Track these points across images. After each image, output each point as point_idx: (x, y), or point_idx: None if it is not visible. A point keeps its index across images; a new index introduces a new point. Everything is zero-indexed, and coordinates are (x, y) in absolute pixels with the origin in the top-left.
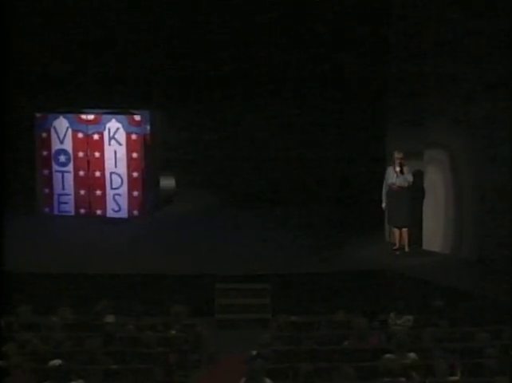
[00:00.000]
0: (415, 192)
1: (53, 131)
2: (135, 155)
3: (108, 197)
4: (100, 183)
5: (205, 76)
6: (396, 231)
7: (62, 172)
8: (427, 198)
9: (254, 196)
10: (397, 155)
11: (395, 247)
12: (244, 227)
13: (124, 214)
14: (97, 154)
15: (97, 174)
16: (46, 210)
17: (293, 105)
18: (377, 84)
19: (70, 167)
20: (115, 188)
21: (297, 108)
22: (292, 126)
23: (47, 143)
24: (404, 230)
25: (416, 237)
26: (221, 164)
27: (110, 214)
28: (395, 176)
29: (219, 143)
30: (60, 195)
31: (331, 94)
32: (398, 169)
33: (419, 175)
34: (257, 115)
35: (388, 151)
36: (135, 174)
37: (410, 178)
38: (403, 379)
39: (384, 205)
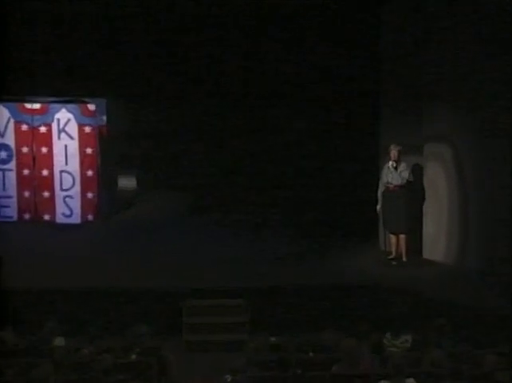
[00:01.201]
0: (414, 192)
1: None
2: (89, 150)
3: (57, 200)
4: (48, 184)
5: (173, 62)
6: (393, 238)
7: (3, 171)
8: (428, 199)
9: (227, 199)
10: (393, 148)
11: (391, 256)
12: (215, 234)
13: (76, 219)
14: (44, 149)
15: (45, 173)
16: None
17: (270, 97)
18: (369, 70)
19: (12, 164)
20: (65, 189)
21: (274, 100)
22: (268, 119)
23: None
24: (402, 236)
25: (415, 244)
26: (190, 162)
27: (60, 219)
28: (390, 175)
29: (189, 138)
30: (0, 197)
31: (315, 78)
32: (393, 165)
33: (418, 173)
34: (231, 109)
35: (384, 145)
36: (89, 172)
37: (406, 175)
38: None
39: (378, 207)
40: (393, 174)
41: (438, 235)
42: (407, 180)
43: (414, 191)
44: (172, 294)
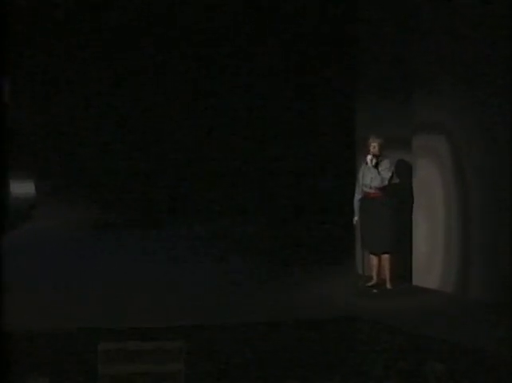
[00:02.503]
0: (401, 199)
1: None
2: None
3: None
4: None
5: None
6: (373, 259)
7: None
8: (419, 208)
9: (157, 208)
10: (373, 141)
11: (371, 283)
12: (142, 254)
13: None
14: None
15: None
16: None
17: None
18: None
19: None
20: None
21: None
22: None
23: None
24: (385, 257)
25: (403, 268)
26: (106, 163)
27: None
28: (369, 175)
29: (102, 130)
30: None
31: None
32: (371, 162)
33: (405, 173)
34: (166, 93)
35: (361, 137)
36: None
37: (386, 175)
38: None
39: (355, 219)
40: (372, 174)
41: (432, 256)
42: (390, 182)
43: (400, 197)
44: (83, 334)
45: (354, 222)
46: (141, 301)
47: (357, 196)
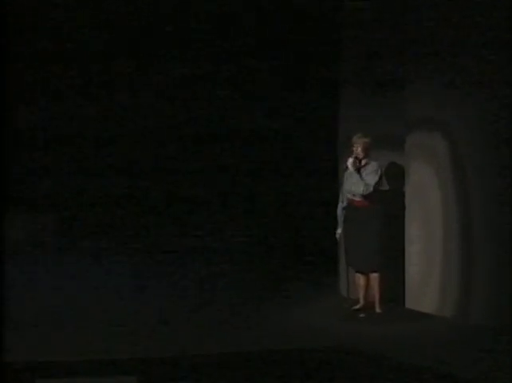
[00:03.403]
0: (392, 208)
1: None
2: None
3: None
4: None
5: None
6: (360, 279)
7: None
8: (413, 218)
9: (111, 218)
10: (357, 140)
11: (357, 306)
12: (91, 273)
13: None
14: None
15: None
16: None
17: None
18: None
19: None
20: None
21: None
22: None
23: None
24: (374, 276)
25: (394, 288)
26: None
27: None
28: (351, 180)
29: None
30: None
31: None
32: (355, 165)
33: (396, 177)
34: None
35: (346, 135)
36: None
37: (371, 180)
38: None
39: (338, 232)
40: (355, 180)
41: (428, 275)
42: (378, 189)
43: (391, 205)
44: (17, 367)
45: (337, 235)
46: (93, 330)
47: (341, 205)
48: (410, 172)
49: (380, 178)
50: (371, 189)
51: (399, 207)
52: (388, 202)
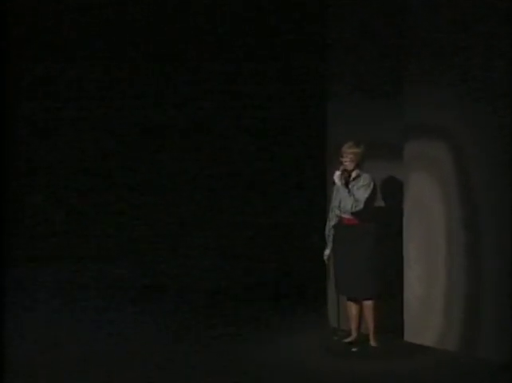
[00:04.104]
0: (388, 227)
1: None
2: None
3: None
4: None
5: None
6: (352, 307)
7: None
8: (411, 238)
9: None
10: (347, 150)
11: (349, 339)
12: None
13: None
14: None
15: None
16: None
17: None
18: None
19: None
20: None
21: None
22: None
23: None
24: (367, 304)
25: (392, 318)
26: None
27: None
28: (338, 196)
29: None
30: None
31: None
32: (339, 179)
33: (394, 191)
34: None
35: (336, 144)
36: None
37: (361, 196)
38: None
39: (326, 253)
40: (342, 195)
41: (430, 302)
42: (371, 205)
43: (387, 223)
44: None
45: (325, 256)
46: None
47: (330, 223)
48: (409, 185)
49: (373, 192)
50: (361, 206)
51: (397, 225)
52: (384, 219)
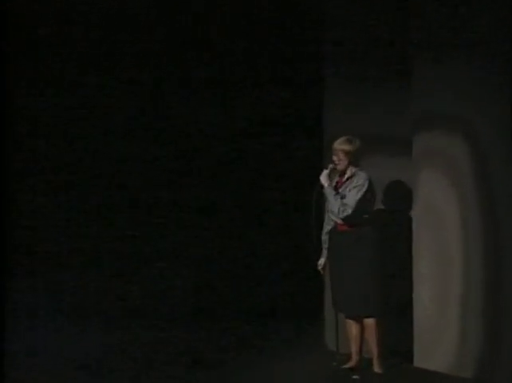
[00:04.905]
0: (393, 235)
1: None
2: None
3: None
4: None
5: None
6: (352, 327)
7: None
8: (422, 246)
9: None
10: (337, 147)
11: (350, 364)
12: None
13: None
14: None
15: None
16: None
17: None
18: None
19: None
20: None
21: None
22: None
23: None
24: (369, 323)
25: (398, 339)
26: None
27: None
28: (329, 198)
29: None
30: None
31: None
32: (326, 179)
33: (399, 193)
34: None
35: (332, 137)
36: None
37: (350, 200)
38: None
39: (321, 263)
40: (331, 197)
41: (444, 322)
42: (362, 208)
43: (392, 230)
44: None
45: (319, 266)
46: None
47: (326, 228)
48: (418, 186)
49: (369, 193)
50: (349, 211)
51: (405, 232)
52: (387, 225)
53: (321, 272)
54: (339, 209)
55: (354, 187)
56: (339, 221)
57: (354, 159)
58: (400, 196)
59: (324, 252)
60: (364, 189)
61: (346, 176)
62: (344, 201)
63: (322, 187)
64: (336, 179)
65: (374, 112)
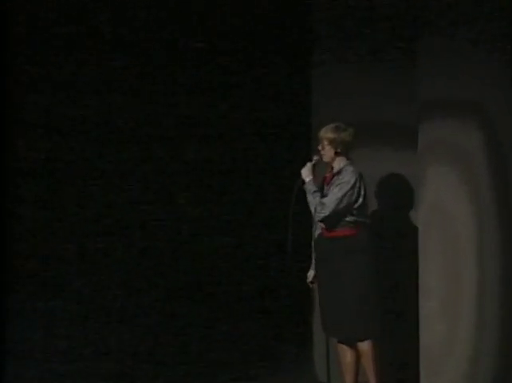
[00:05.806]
0: (391, 242)
1: None
2: None
3: None
4: None
5: None
6: (345, 352)
7: None
8: (428, 254)
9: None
10: (323, 135)
11: None
12: None
13: None
14: None
15: None
16: None
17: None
18: None
19: None
20: None
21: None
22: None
23: None
24: (365, 347)
25: (401, 364)
26: None
27: None
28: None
29: None
30: None
31: None
32: (307, 173)
33: (400, 192)
34: None
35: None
36: None
37: (330, 198)
38: None
39: (310, 275)
40: (308, 194)
41: (453, 344)
42: (363, 211)
43: (393, 236)
44: None
45: (308, 278)
46: None
47: (316, 232)
48: (425, 184)
49: (353, 192)
50: (326, 211)
51: (408, 238)
52: (389, 231)
53: (310, 286)
54: (315, 208)
55: (337, 185)
56: (320, 224)
57: (343, 150)
58: (403, 195)
59: (313, 262)
60: (347, 187)
61: (334, 171)
62: (323, 200)
63: (304, 182)
64: (327, 174)
65: (374, 97)
